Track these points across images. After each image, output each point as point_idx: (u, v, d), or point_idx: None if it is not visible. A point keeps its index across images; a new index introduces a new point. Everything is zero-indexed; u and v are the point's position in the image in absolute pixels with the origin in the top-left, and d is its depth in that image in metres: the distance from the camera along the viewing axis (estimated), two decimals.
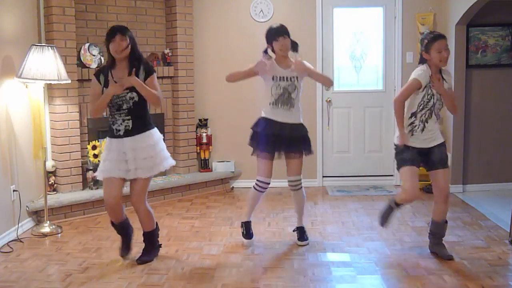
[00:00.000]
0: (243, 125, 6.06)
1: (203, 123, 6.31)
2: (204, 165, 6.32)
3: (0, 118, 4.40)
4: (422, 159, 3.91)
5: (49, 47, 4.56)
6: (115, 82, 3.71)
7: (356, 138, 6.47)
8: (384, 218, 4.14)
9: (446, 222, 4.00)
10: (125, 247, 3.97)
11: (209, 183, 6.16)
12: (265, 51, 4.20)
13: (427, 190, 5.96)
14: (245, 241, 4.33)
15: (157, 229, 4.02)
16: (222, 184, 6.28)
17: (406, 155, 3.87)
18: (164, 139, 5.99)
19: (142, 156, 3.75)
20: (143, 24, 5.89)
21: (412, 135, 3.88)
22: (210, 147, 6.34)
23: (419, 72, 3.84)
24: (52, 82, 4.65)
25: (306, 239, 4.34)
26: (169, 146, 6.10)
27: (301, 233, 4.38)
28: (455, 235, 4.47)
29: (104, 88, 3.73)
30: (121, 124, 3.74)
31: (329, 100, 6.38)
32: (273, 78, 4.13)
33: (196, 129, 6.29)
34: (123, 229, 3.95)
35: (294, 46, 4.21)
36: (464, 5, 5.53)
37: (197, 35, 6.24)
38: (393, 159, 6.34)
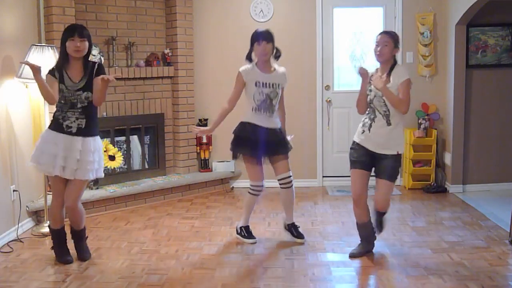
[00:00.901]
0: None
1: (203, 123, 6.30)
2: (204, 165, 6.32)
3: (0, 118, 4.40)
4: (372, 162, 3.91)
5: (49, 47, 4.56)
6: (71, 80, 3.73)
7: None
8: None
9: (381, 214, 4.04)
10: (65, 252, 3.97)
11: (209, 183, 6.16)
12: (249, 57, 4.27)
13: (427, 190, 5.97)
14: (250, 241, 4.35)
15: (85, 228, 4.09)
16: (222, 184, 6.28)
17: (354, 155, 3.95)
18: (164, 139, 6.11)
19: (87, 158, 3.76)
20: (143, 24, 5.89)
21: (363, 132, 3.88)
22: (210, 147, 6.34)
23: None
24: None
25: (303, 236, 4.38)
26: (169, 146, 6.16)
27: (297, 229, 4.41)
28: (455, 235, 4.47)
29: (60, 84, 3.73)
30: (74, 121, 3.74)
31: (329, 100, 6.38)
32: (256, 84, 4.18)
33: None
34: (60, 237, 3.99)
35: (277, 53, 4.25)
36: (464, 5, 5.53)
37: (197, 35, 6.24)
38: None
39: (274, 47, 4.19)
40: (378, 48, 3.81)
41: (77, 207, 3.88)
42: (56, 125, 3.78)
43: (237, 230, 4.47)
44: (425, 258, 3.97)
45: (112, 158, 5.30)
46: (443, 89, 6.18)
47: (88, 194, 5.18)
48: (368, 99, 3.84)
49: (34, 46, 4.49)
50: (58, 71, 3.76)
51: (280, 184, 4.29)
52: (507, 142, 6.05)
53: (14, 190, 4.55)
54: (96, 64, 3.83)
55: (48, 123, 5.13)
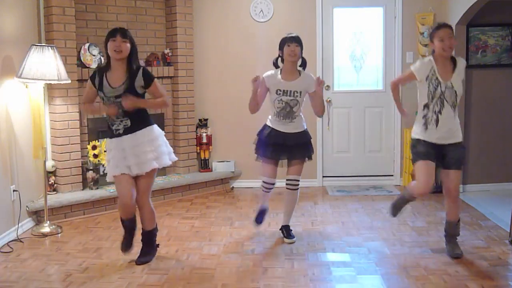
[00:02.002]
0: (243, 125, 6.09)
1: (203, 123, 6.31)
2: (204, 165, 6.32)
3: (0, 118, 4.40)
4: (437, 154, 3.87)
5: (49, 47, 4.56)
6: (109, 85, 3.70)
7: (356, 138, 6.47)
8: (397, 209, 4.15)
9: (459, 220, 4.02)
10: (128, 243, 3.92)
11: (209, 183, 6.16)
12: (275, 62, 4.32)
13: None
14: (254, 225, 4.48)
15: (156, 229, 4.02)
16: (222, 184, 6.28)
17: (420, 148, 3.87)
18: None
19: (142, 150, 3.74)
20: (143, 24, 5.89)
21: (426, 128, 3.86)
22: (210, 147, 6.34)
23: (415, 64, 3.93)
24: (52, 82, 4.65)
25: (293, 236, 4.40)
26: None
27: (288, 231, 4.44)
28: None
29: (98, 91, 3.75)
30: (119, 124, 3.75)
31: (329, 100, 6.38)
32: (276, 92, 4.23)
33: (196, 129, 6.29)
34: (131, 226, 3.92)
35: (304, 62, 4.33)
36: (464, 5, 5.53)
37: (197, 35, 6.24)
38: (394, 159, 6.43)
39: (302, 51, 4.24)
40: (447, 42, 3.76)
41: (146, 204, 3.85)
42: (109, 130, 3.83)
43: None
44: (425, 258, 3.97)
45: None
46: None
47: (88, 194, 5.18)
48: (439, 92, 3.80)
49: (34, 46, 4.49)
50: (99, 76, 3.74)
51: (286, 184, 4.34)
52: (507, 142, 6.05)
53: (14, 190, 4.55)
54: (141, 69, 3.74)
55: (48, 123, 5.16)
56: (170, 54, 6.01)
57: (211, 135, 6.32)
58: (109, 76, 3.73)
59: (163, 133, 3.94)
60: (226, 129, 6.40)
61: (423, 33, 6.12)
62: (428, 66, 3.84)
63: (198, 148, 6.29)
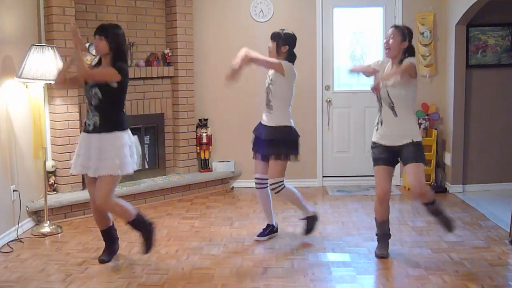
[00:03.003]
0: (243, 125, 6.09)
1: (203, 123, 6.31)
2: (204, 165, 6.32)
3: (0, 118, 4.40)
4: (393, 157, 3.90)
5: (49, 47, 4.56)
6: None
7: (356, 138, 6.47)
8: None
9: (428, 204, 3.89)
10: (107, 254, 3.95)
11: (209, 183, 6.16)
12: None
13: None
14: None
15: (139, 214, 3.89)
16: (222, 184, 6.28)
17: (374, 153, 3.97)
18: (164, 139, 6.10)
19: (106, 156, 3.70)
20: (143, 24, 5.89)
21: (377, 129, 3.94)
22: (210, 147, 6.34)
23: (375, 61, 4.02)
24: (52, 82, 4.64)
25: (277, 231, 4.49)
26: (169, 146, 6.15)
27: (267, 229, 4.48)
28: (455, 235, 4.46)
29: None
30: (91, 119, 3.77)
31: (329, 100, 6.38)
32: (267, 76, 4.31)
33: (196, 129, 6.29)
34: (107, 236, 3.98)
35: (290, 58, 4.27)
36: (464, 5, 5.53)
37: (197, 35, 6.24)
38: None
39: (280, 45, 4.19)
40: (387, 42, 3.84)
41: (106, 206, 3.78)
42: (84, 124, 3.86)
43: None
44: (425, 258, 3.97)
45: None
46: (443, 89, 6.18)
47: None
48: (380, 91, 3.86)
49: (34, 46, 4.49)
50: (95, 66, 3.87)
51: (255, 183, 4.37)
52: (507, 142, 6.05)
53: (14, 190, 4.55)
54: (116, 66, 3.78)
55: (48, 123, 5.16)
56: (170, 54, 6.01)
57: (211, 135, 6.33)
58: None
59: (132, 141, 3.86)
60: (226, 129, 6.40)
61: (423, 33, 6.12)
62: (383, 65, 3.92)
63: (198, 148, 6.29)
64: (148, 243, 3.89)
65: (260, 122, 4.32)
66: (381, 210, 3.97)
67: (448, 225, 3.92)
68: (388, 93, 3.81)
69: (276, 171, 4.19)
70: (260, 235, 4.41)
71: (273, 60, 4.14)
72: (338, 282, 3.59)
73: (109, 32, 3.73)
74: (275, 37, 4.20)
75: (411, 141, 3.80)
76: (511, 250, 4.11)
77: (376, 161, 3.94)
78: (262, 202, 4.40)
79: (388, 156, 3.89)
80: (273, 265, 3.88)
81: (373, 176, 4.05)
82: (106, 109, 3.75)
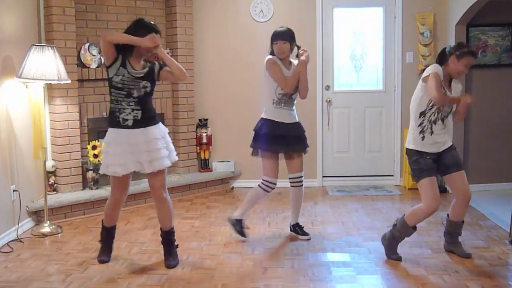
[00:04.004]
0: (243, 125, 6.09)
1: (203, 123, 6.31)
2: (204, 165, 6.32)
3: (0, 118, 4.40)
4: (435, 166, 3.82)
5: (49, 47, 4.55)
6: (133, 68, 3.66)
7: (356, 138, 6.47)
8: (393, 249, 3.96)
9: (463, 221, 4.00)
10: (106, 253, 3.96)
11: (209, 183, 6.16)
12: (271, 52, 4.26)
13: None
14: (241, 238, 4.38)
15: (173, 228, 3.93)
16: (222, 184, 6.28)
17: (422, 164, 3.76)
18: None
19: (155, 146, 3.68)
20: None
21: (423, 137, 3.78)
22: (210, 147, 6.34)
23: (435, 67, 3.74)
24: (52, 82, 4.65)
25: (308, 233, 4.44)
26: None
27: (300, 228, 4.47)
28: None
29: (121, 68, 3.62)
30: (129, 113, 3.65)
31: (329, 100, 6.38)
32: None
33: (196, 129, 6.29)
34: (112, 234, 3.98)
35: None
36: (464, 5, 5.53)
37: (197, 35, 6.24)
38: (394, 159, 6.42)
39: (292, 46, 4.20)
40: (466, 71, 3.81)
41: (167, 196, 3.79)
42: (113, 120, 3.69)
43: (230, 221, 4.45)
44: (425, 258, 3.97)
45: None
46: None
47: (88, 194, 5.18)
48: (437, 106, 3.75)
49: (34, 46, 4.49)
50: (122, 58, 3.64)
51: (290, 182, 4.34)
52: (507, 142, 6.05)
53: (14, 190, 4.55)
54: (157, 62, 3.80)
55: (48, 123, 5.16)
56: (170, 54, 6.00)
57: (211, 135, 6.33)
58: (131, 60, 3.68)
59: (167, 130, 3.89)
60: (226, 129, 6.40)
61: (423, 33, 6.12)
62: (441, 72, 3.75)
63: (198, 148, 6.29)
64: (174, 261, 3.84)
65: (273, 121, 4.21)
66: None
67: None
68: (452, 108, 3.83)
69: (302, 165, 4.33)
70: (307, 233, 4.43)
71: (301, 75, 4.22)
72: (338, 282, 3.59)
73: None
74: (287, 37, 4.17)
75: (452, 143, 3.88)
76: (511, 250, 4.11)
77: (429, 172, 3.75)
78: (302, 199, 4.42)
79: (435, 165, 3.82)
80: (273, 265, 3.88)
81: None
82: (149, 102, 3.75)
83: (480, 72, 5.95)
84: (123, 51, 3.65)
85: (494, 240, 4.34)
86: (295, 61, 4.27)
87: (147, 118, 3.71)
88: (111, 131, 3.73)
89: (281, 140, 4.21)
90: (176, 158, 3.91)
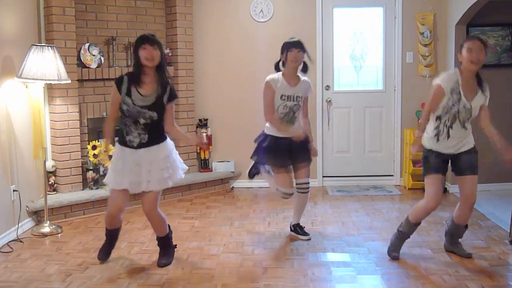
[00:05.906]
0: (243, 125, 6.11)
1: (203, 123, 6.31)
2: (204, 165, 6.32)
3: (0, 118, 4.40)
4: (446, 166, 3.83)
5: (49, 47, 4.56)
6: (139, 92, 3.58)
7: (356, 138, 6.47)
8: (397, 249, 4.02)
9: (467, 226, 3.98)
10: (106, 252, 3.97)
11: (209, 183, 6.16)
12: (277, 65, 4.28)
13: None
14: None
15: (170, 232, 3.98)
16: (222, 184, 6.28)
17: (431, 161, 3.79)
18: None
19: (157, 167, 3.66)
20: (143, 24, 5.89)
21: (438, 140, 3.79)
22: (210, 147, 6.34)
23: (443, 76, 3.74)
24: (52, 82, 4.65)
25: (308, 233, 4.46)
26: None
27: (301, 228, 4.49)
28: None
29: (126, 97, 3.57)
30: (136, 136, 3.63)
31: (329, 100, 6.38)
32: (281, 97, 4.21)
33: (196, 129, 6.29)
34: (113, 236, 3.97)
35: (305, 66, 4.29)
36: (464, 5, 5.53)
37: (197, 35, 6.24)
38: (394, 159, 6.42)
39: (303, 57, 4.23)
40: (475, 54, 3.62)
41: (155, 215, 3.78)
42: (121, 138, 3.69)
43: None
44: (425, 258, 3.97)
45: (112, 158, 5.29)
46: None
47: (88, 194, 5.18)
48: (455, 110, 3.71)
49: (34, 46, 4.49)
50: (128, 82, 3.60)
51: (297, 188, 4.36)
52: (507, 142, 6.03)
53: (14, 190, 4.55)
54: (169, 88, 3.67)
55: (48, 123, 5.15)
56: (170, 54, 6.01)
57: (211, 135, 6.33)
58: (139, 86, 3.61)
59: (173, 145, 3.83)
60: (226, 129, 6.40)
61: (423, 33, 6.12)
62: (454, 78, 3.70)
63: (198, 148, 6.29)
64: (165, 260, 3.88)
65: (276, 137, 4.24)
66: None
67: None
68: (471, 114, 3.79)
69: (309, 172, 4.39)
70: (307, 233, 4.46)
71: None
72: (338, 282, 3.59)
73: (157, 40, 3.65)
74: (303, 47, 4.20)
75: (473, 145, 3.86)
76: (511, 250, 4.11)
77: (435, 170, 3.78)
78: (305, 204, 4.48)
79: (445, 166, 3.83)
80: (273, 265, 3.88)
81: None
82: (157, 127, 3.68)
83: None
84: (130, 79, 3.62)
85: (494, 240, 4.34)
86: (303, 77, 4.27)
87: (153, 139, 3.67)
88: (117, 146, 3.75)
89: (287, 154, 4.26)
90: (182, 176, 3.85)
